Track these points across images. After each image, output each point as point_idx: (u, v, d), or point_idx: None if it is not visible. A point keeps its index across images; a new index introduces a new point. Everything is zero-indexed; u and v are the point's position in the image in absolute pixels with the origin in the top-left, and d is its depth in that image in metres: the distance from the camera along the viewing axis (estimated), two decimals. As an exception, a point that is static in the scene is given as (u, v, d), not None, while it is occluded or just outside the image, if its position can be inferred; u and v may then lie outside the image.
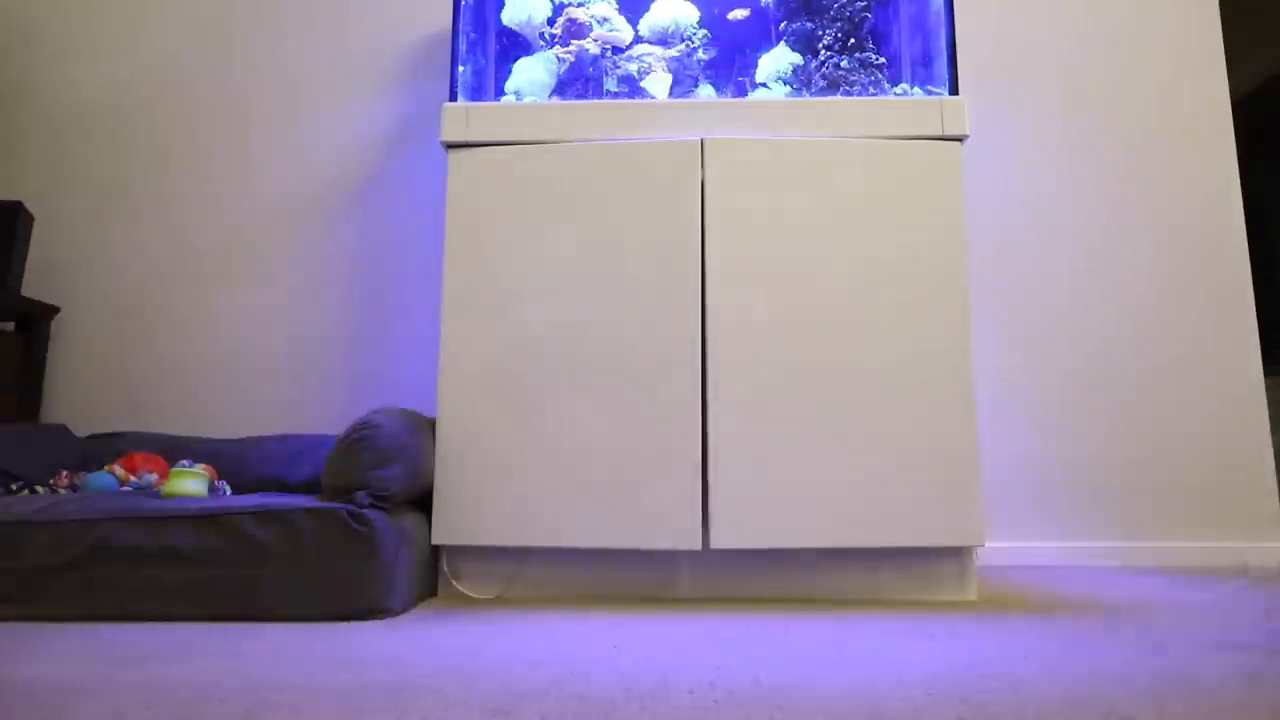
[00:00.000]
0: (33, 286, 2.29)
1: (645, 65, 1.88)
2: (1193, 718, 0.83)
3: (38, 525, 1.40)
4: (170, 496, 1.57)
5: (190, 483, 1.62)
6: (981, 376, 2.18)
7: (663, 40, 1.93)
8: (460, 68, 1.83)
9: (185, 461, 1.76)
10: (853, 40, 1.88)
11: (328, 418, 2.20)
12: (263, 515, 1.41)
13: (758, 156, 1.68)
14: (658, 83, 1.84)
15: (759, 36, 1.98)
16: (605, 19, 1.94)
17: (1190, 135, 2.27)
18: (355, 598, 1.38)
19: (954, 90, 1.74)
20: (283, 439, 2.01)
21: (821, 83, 1.85)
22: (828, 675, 1.00)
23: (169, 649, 1.16)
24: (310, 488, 1.83)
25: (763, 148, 1.69)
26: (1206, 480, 2.13)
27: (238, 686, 0.95)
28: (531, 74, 1.89)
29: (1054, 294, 2.23)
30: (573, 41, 1.92)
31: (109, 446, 1.97)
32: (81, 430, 2.14)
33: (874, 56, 1.87)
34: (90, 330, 2.29)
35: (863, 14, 1.90)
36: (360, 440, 1.49)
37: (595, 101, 1.80)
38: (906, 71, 1.92)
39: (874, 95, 1.83)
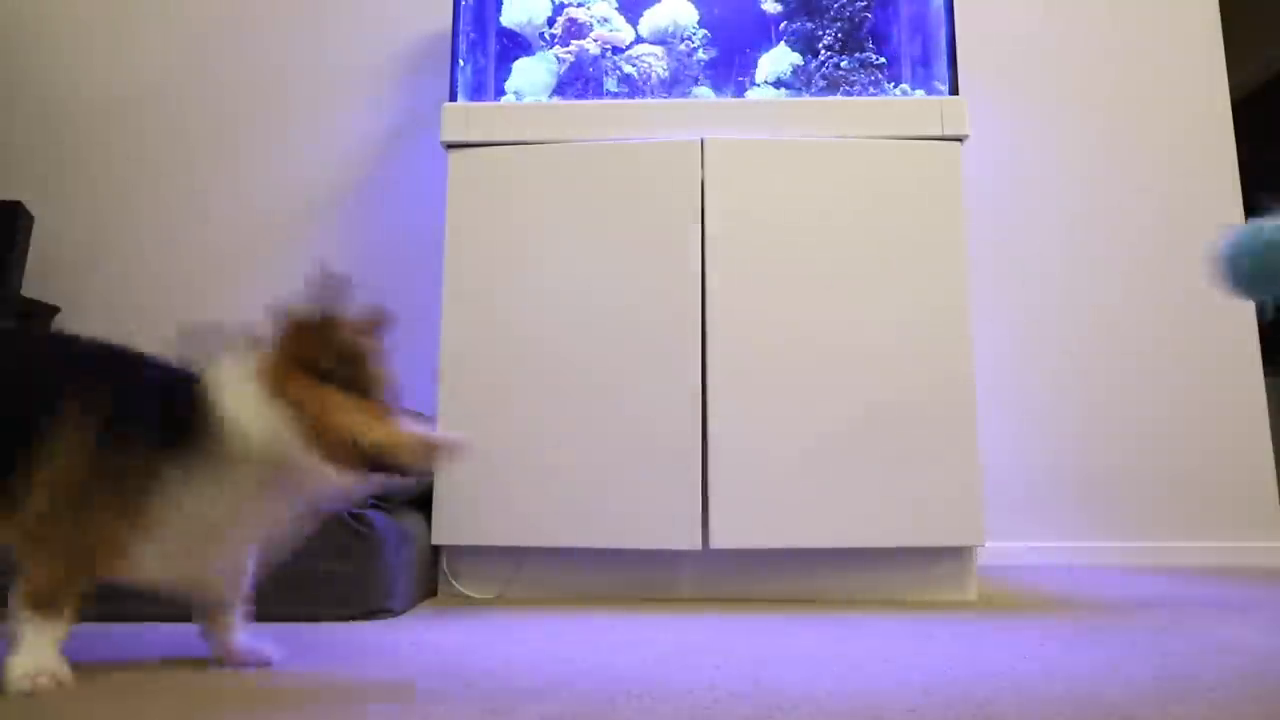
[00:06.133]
0: (33, 286, 2.28)
1: (645, 65, 1.87)
2: (1192, 718, 0.83)
3: (38, 525, 1.40)
4: None
5: None
6: (982, 376, 2.18)
7: (663, 40, 1.93)
8: (460, 65, 1.83)
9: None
10: (852, 40, 1.88)
11: (328, 418, 2.20)
12: (263, 515, 1.40)
13: (758, 156, 1.68)
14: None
15: (759, 36, 1.98)
16: (605, 19, 1.94)
17: (1190, 135, 2.27)
18: (355, 598, 1.38)
19: (954, 90, 1.74)
20: (283, 439, 2.01)
21: (821, 83, 1.85)
22: (827, 675, 1.00)
23: (169, 649, 1.16)
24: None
25: (763, 148, 1.69)
26: (1206, 480, 2.13)
27: (238, 686, 0.95)
28: (531, 74, 1.89)
29: (1054, 294, 2.23)
30: (573, 41, 1.92)
31: (109, 446, 1.96)
32: (81, 430, 2.13)
33: (874, 56, 1.87)
34: (90, 330, 2.28)
35: (863, 14, 1.90)
36: (360, 440, 1.49)
37: (595, 101, 1.80)
38: (906, 71, 1.92)
39: (874, 95, 1.83)
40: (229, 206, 2.33)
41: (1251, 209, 2.28)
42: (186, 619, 1.36)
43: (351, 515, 1.41)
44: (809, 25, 1.91)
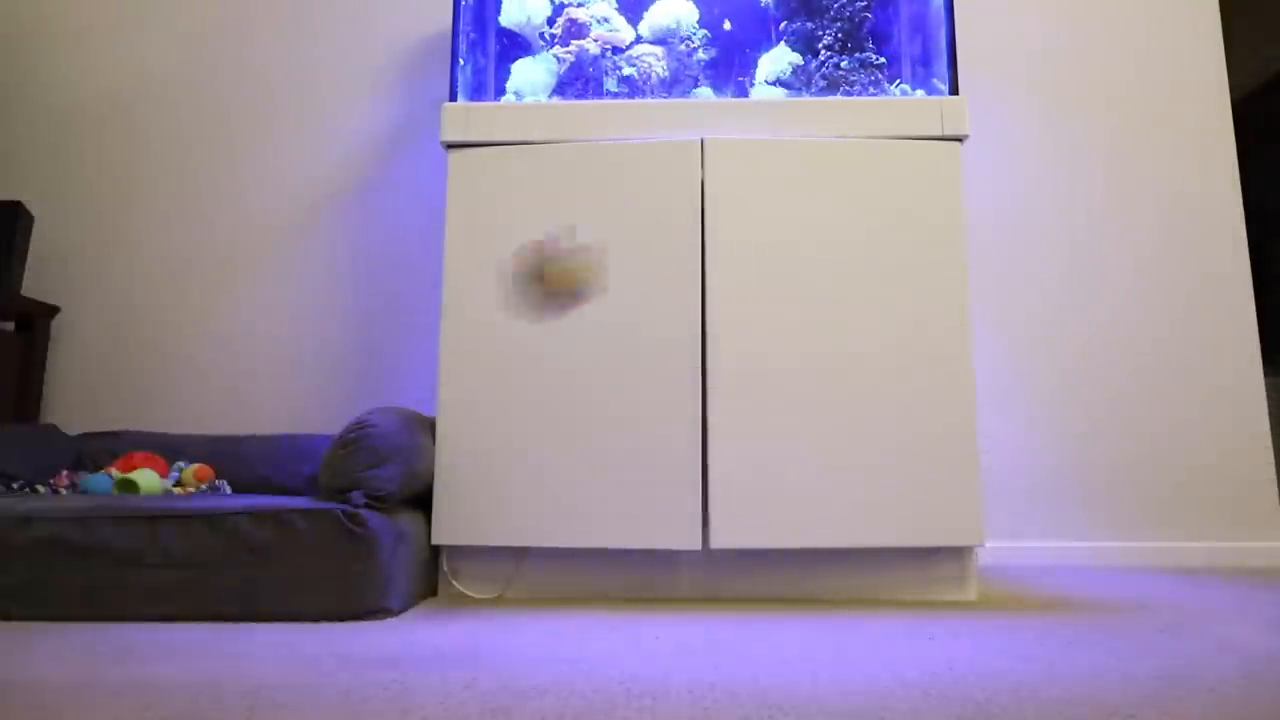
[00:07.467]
0: (33, 286, 2.29)
1: (645, 65, 1.87)
2: (1192, 718, 0.83)
3: (38, 525, 1.40)
4: (122, 491, 1.60)
5: (144, 475, 1.65)
6: (981, 376, 2.18)
7: (663, 40, 1.93)
8: (460, 65, 1.83)
9: (182, 463, 1.76)
10: (852, 40, 1.88)
11: (328, 418, 2.20)
12: (259, 515, 1.40)
13: (758, 156, 1.68)
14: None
15: (759, 36, 1.98)
16: (605, 19, 1.94)
17: (1190, 135, 2.27)
18: (352, 598, 1.38)
19: (954, 90, 1.74)
20: (282, 439, 2.01)
21: (821, 83, 1.85)
22: (827, 675, 1.00)
23: (168, 649, 1.15)
24: (310, 488, 1.83)
25: (763, 148, 1.69)
26: (1206, 480, 2.13)
27: (237, 686, 0.95)
28: (531, 74, 1.89)
29: (1054, 294, 2.23)
30: (573, 41, 1.92)
31: (106, 446, 1.97)
32: (81, 430, 2.13)
33: (874, 56, 1.87)
34: (90, 330, 2.29)
35: (863, 14, 1.90)
36: (356, 440, 1.49)
37: (595, 101, 1.80)
38: (906, 71, 1.92)
39: (874, 95, 1.83)
40: (229, 206, 2.33)
41: (1251, 208, 2.28)
42: (186, 619, 1.36)
43: (346, 515, 1.41)
44: (809, 25, 1.91)
